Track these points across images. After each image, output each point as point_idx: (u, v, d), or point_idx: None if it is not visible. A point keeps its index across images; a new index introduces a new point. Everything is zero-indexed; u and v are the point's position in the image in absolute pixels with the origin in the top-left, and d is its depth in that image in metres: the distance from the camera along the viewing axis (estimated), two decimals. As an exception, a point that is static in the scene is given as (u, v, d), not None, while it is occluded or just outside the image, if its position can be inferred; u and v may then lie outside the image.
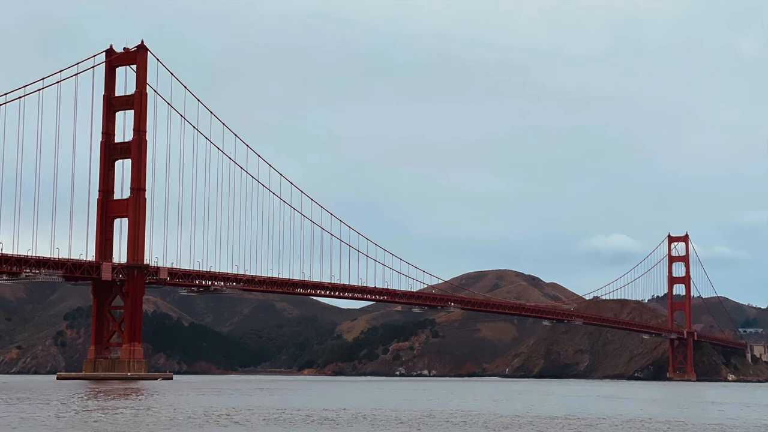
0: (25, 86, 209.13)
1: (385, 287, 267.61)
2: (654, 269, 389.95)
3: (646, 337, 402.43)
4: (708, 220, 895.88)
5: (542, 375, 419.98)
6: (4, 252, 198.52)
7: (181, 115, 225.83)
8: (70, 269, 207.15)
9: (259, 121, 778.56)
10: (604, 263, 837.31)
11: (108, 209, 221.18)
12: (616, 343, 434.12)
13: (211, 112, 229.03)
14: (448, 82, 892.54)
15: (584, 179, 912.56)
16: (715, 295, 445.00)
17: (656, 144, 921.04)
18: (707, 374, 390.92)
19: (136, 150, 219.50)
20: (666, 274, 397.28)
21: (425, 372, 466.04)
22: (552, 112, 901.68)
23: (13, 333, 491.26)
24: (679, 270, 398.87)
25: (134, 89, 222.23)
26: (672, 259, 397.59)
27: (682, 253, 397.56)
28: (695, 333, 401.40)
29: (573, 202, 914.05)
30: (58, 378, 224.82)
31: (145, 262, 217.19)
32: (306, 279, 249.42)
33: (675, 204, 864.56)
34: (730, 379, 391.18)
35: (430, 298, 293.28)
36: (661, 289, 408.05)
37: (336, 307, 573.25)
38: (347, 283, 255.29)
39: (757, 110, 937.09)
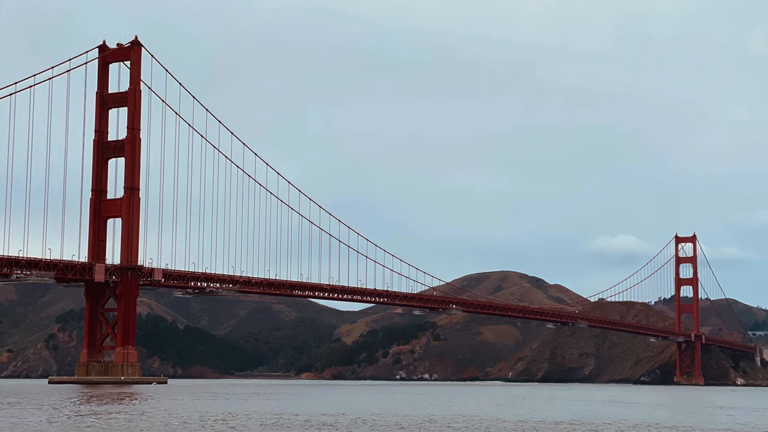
0: (16, 83, 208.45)
1: (385, 289, 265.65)
2: (661, 270, 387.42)
3: (652, 340, 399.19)
4: (716, 220, 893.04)
5: (546, 379, 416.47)
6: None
7: (176, 113, 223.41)
8: (63, 270, 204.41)
9: (256, 118, 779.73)
10: (610, 264, 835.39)
11: (101, 209, 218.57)
12: (622, 347, 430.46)
13: (206, 110, 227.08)
14: (449, 79, 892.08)
15: (589, 178, 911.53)
16: (723, 297, 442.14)
17: (663, 142, 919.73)
18: (715, 378, 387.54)
19: (129, 148, 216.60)
20: (673, 275, 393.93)
21: (426, 376, 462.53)
22: (556, 110, 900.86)
23: (3, 336, 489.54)
24: (686, 271, 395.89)
25: (128, 86, 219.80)
26: (679, 260, 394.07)
27: (690, 254, 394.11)
28: (703, 336, 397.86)
29: (578, 201, 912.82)
30: (49, 382, 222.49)
31: (139, 264, 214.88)
32: (304, 280, 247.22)
33: (682, 204, 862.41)
34: (738, 383, 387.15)
35: (431, 300, 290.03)
36: (669, 291, 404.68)
37: (335, 309, 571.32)
38: (346, 284, 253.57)
39: (767, 108, 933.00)
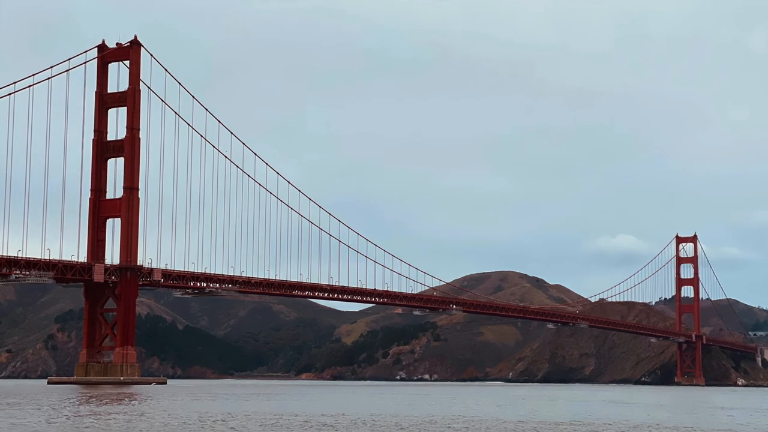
0: (15, 83, 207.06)
1: (385, 289, 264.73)
2: (661, 271, 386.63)
3: (653, 340, 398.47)
4: (717, 220, 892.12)
5: (547, 379, 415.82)
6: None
7: (176, 113, 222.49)
8: (62, 271, 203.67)
9: (255, 118, 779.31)
10: (610, 264, 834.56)
11: (100, 209, 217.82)
12: (622, 347, 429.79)
13: (206, 109, 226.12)
14: (449, 79, 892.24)
15: (589, 178, 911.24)
16: (724, 297, 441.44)
17: (664, 142, 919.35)
18: (716, 379, 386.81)
19: (129, 148, 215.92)
20: (674, 275, 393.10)
21: (426, 376, 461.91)
22: (556, 110, 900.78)
23: (2, 336, 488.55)
24: (687, 271, 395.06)
25: (127, 86, 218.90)
26: (680, 261, 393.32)
27: (691, 254, 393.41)
28: (704, 336, 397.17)
29: (578, 201, 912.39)
30: (48, 382, 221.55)
31: (138, 264, 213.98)
32: (304, 281, 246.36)
33: (683, 204, 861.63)
34: (739, 383, 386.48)
35: (431, 301, 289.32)
36: (669, 291, 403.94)
37: (335, 309, 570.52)
38: (346, 285, 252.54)
39: (767, 108, 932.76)
